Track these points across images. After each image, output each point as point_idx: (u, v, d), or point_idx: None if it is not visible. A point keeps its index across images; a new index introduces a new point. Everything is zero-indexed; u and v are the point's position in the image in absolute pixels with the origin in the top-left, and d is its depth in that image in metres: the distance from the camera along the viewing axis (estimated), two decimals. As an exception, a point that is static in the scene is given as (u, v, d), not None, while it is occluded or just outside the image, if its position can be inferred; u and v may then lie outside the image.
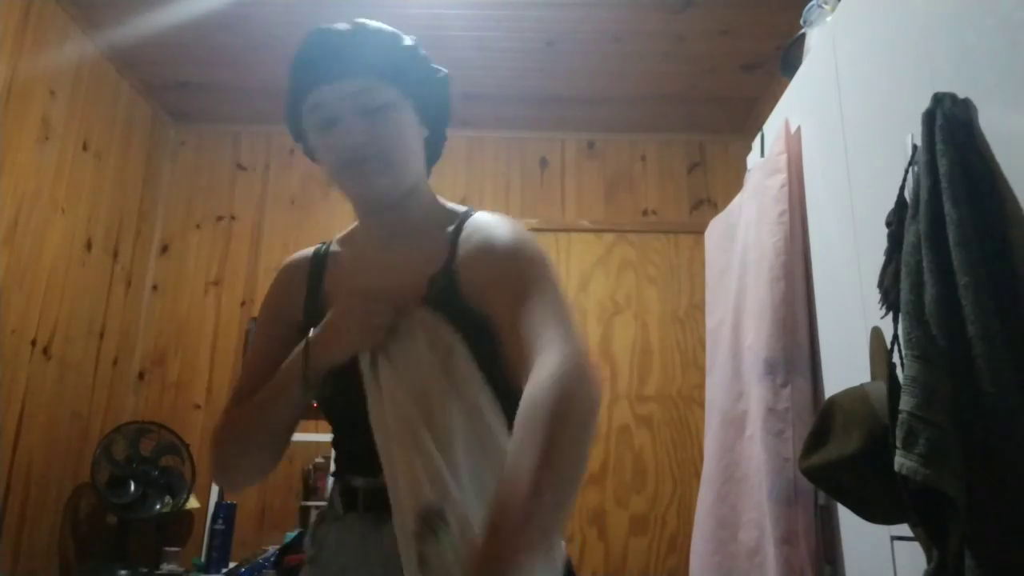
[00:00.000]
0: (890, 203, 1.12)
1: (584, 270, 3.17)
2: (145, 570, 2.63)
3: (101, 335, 2.83)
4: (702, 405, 2.54)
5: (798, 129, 1.73)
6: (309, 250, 1.11)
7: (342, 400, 0.96)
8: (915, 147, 1.09)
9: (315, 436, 2.97)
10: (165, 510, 2.70)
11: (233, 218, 3.27)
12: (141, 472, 2.68)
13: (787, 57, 2.00)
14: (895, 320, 1.03)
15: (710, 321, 2.11)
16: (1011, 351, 0.87)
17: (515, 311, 0.85)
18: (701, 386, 2.76)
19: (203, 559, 2.68)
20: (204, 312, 3.15)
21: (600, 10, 2.54)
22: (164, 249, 3.23)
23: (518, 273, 0.89)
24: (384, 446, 0.84)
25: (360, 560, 0.91)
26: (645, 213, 3.28)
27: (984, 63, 1.00)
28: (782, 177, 1.70)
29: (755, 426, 1.62)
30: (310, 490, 2.90)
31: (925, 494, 0.91)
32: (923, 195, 1.00)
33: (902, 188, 1.10)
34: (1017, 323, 0.89)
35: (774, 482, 1.52)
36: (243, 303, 3.16)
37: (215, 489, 2.88)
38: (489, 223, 0.99)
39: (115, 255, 2.93)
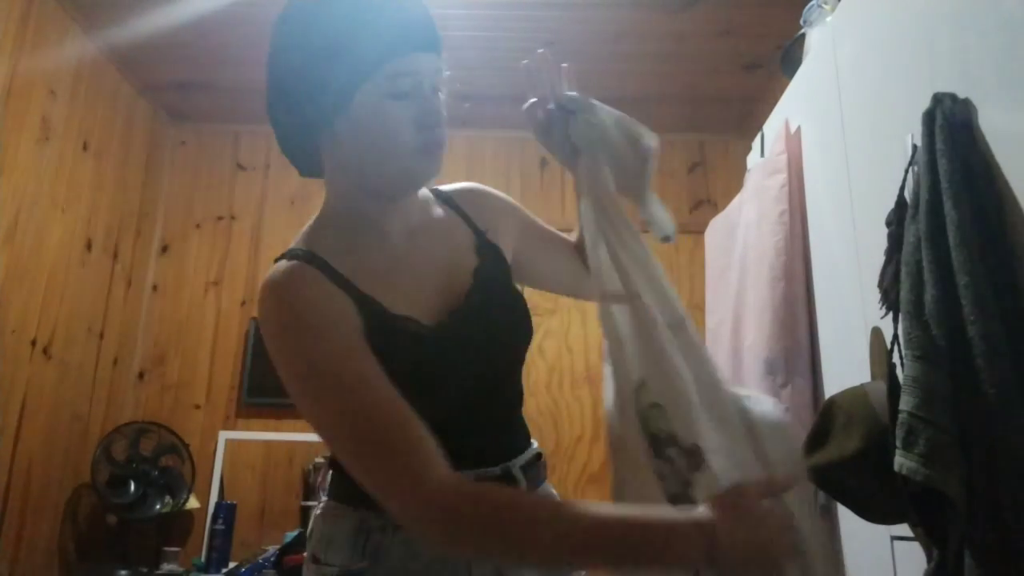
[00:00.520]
0: (890, 203, 1.12)
1: (584, 270, 3.16)
2: (145, 570, 2.63)
3: (101, 335, 2.83)
4: (702, 405, 2.53)
5: (798, 129, 1.73)
6: (304, 266, 0.87)
7: (457, 391, 0.89)
8: (915, 147, 1.09)
9: (315, 436, 2.97)
10: (165, 510, 2.70)
11: (233, 218, 3.27)
12: (141, 472, 2.68)
13: (787, 57, 2.00)
14: (895, 320, 1.03)
15: (710, 321, 2.11)
16: (1011, 351, 0.87)
17: (531, 226, 1.12)
18: (701, 386, 2.75)
19: (203, 559, 2.68)
20: (204, 312, 3.15)
21: (600, 10, 2.54)
22: (164, 249, 3.23)
23: (505, 203, 1.12)
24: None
25: (441, 568, 0.86)
26: (645, 213, 3.28)
27: (984, 63, 1.00)
28: (782, 177, 1.70)
29: (755, 426, 1.62)
30: (310, 490, 2.91)
31: (925, 494, 0.91)
32: (923, 195, 1.00)
33: (902, 188, 1.10)
34: (1017, 323, 0.89)
35: (774, 482, 1.52)
36: (243, 303, 3.16)
37: (215, 489, 2.89)
38: (457, 185, 1.11)
39: (115, 255, 2.93)
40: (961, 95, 1.02)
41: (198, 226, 3.26)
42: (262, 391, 2.99)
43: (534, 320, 1.04)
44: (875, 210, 1.22)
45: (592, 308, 0.94)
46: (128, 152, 3.01)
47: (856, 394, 1.11)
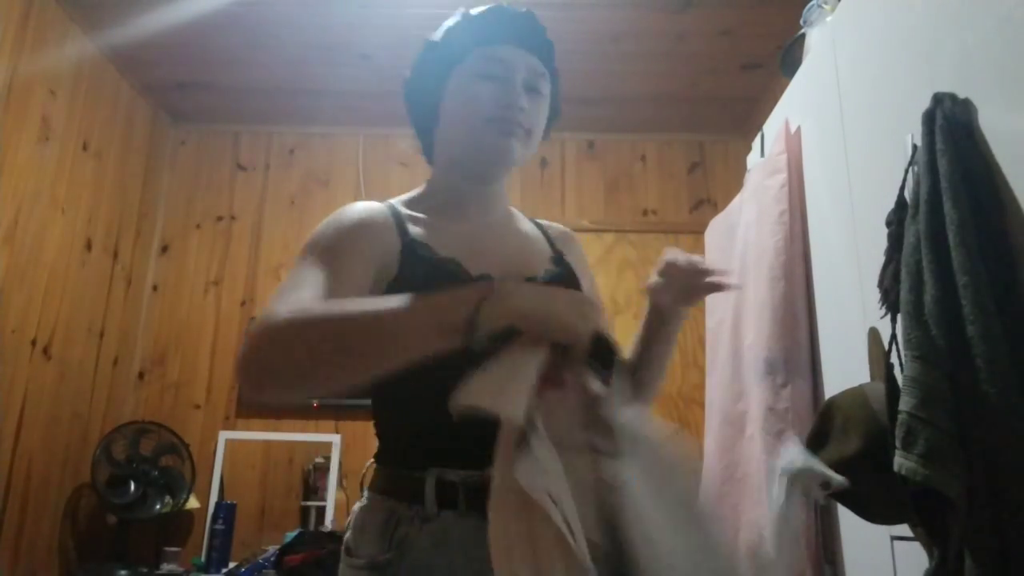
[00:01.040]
0: (890, 203, 1.12)
1: (584, 270, 3.16)
2: (145, 570, 2.63)
3: (101, 335, 2.83)
4: (702, 405, 2.53)
5: (798, 129, 1.73)
6: (377, 203, 1.01)
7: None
8: (915, 147, 1.09)
9: (315, 436, 2.98)
10: (165, 510, 2.70)
11: (233, 218, 3.27)
12: (141, 472, 2.68)
13: (787, 57, 2.00)
14: (894, 320, 1.03)
15: (710, 321, 2.11)
16: (1011, 351, 0.87)
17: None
18: (701, 386, 2.76)
19: (203, 559, 2.68)
20: (204, 312, 3.15)
21: (600, 10, 2.54)
22: (164, 249, 3.23)
23: (585, 260, 1.16)
24: None
25: (465, 563, 0.85)
26: (645, 213, 3.28)
27: (984, 63, 1.00)
28: (782, 177, 1.70)
29: (755, 426, 1.62)
30: (310, 490, 2.91)
31: (925, 494, 0.90)
32: (923, 195, 0.99)
33: (902, 188, 1.10)
34: (1017, 323, 0.89)
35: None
36: (243, 303, 3.16)
37: (215, 489, 2.88)
38: (556, 226, 1.18)
39: (115, 255, 2.93)
40: (961, 95, 1.02)
41: (198, 226, 3.26)
42: (262, 391, 2.98)
43: None
44: (875, 210, 1.22)
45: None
46: (128, 152, 3.01)
47: (855, 394, 1.11)
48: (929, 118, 1.03)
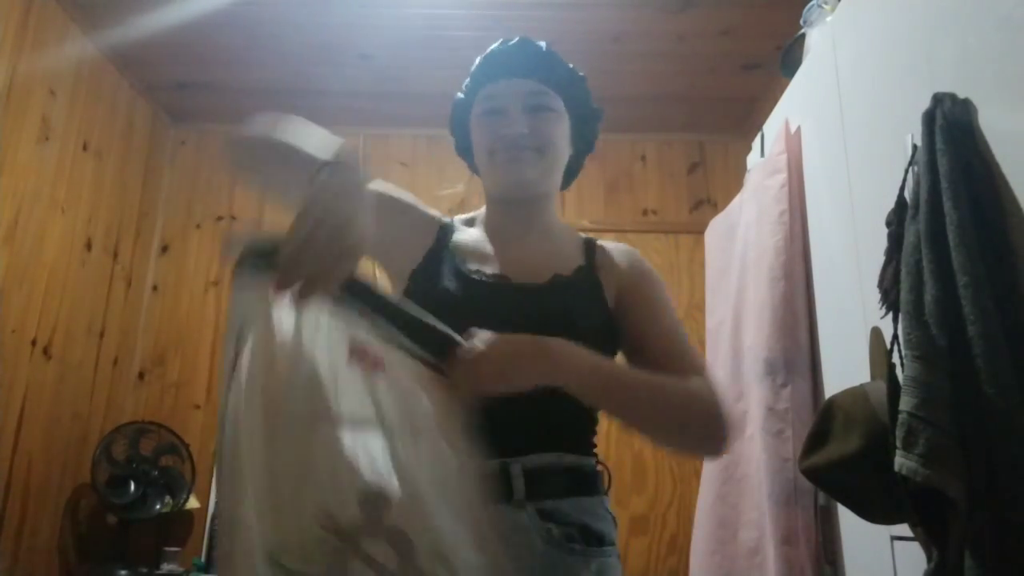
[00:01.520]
0: (890, 203, 1.12)
1: (584, 270, 3.16)
2: (145, 570, 2.63)
3: (101, 335, 2.83)
4: (702, 405, 2.53)
5: (798, 129, 1.73)
6: (434, 210, 1.14)
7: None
8: (915, 147, 1.09)
9: (315, 436, 2.98)
10: (165, 510, 2.70)
11: (233, 218, 3.27)
12: (141, 472, 2.68)
13: (787, 57, 2.00)
14: (895, 320, 1.03)
15: (710, 321, 2.11)
16: (1011, 351, 0.87)
17: (649, 321, 1.07)
18: (701, 386, 2.76)
19: (203, 559, 2.68)
20: (204, 312, 3.15)
21: (600, 10, 2.54)
22: (164, 249, 3.23)
23: (651, 290, 1.10)
24: None
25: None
26: (645, 213, 3.28)
27: (984, 63, 1.00)
28: (782, 177, 1.70)
29: (755, 426, 1.62)
30: (310, 490, 2.90)
31: (925, 494, 0.91)
32: (923, 195, 1.00)
33: (902, 188, 1.10)
34: (1017, 323, 0.89)
35: (774, 482, 1.52)
36: (243, 303, 3.16)
37: (215, 489, 2.88)
38: (617, 245, 1.16)
39: (115, 255, 2.93)
40: (961, 95, 1.02)
41: (198, 226, 3.26)
42: (262, 391, 2.99)
43: None
44: (875, 210, 1.22)
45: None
46: (128, 152, 3.01)
47: (856, 394, 1.11)
48: (929, 118, 1.03)
